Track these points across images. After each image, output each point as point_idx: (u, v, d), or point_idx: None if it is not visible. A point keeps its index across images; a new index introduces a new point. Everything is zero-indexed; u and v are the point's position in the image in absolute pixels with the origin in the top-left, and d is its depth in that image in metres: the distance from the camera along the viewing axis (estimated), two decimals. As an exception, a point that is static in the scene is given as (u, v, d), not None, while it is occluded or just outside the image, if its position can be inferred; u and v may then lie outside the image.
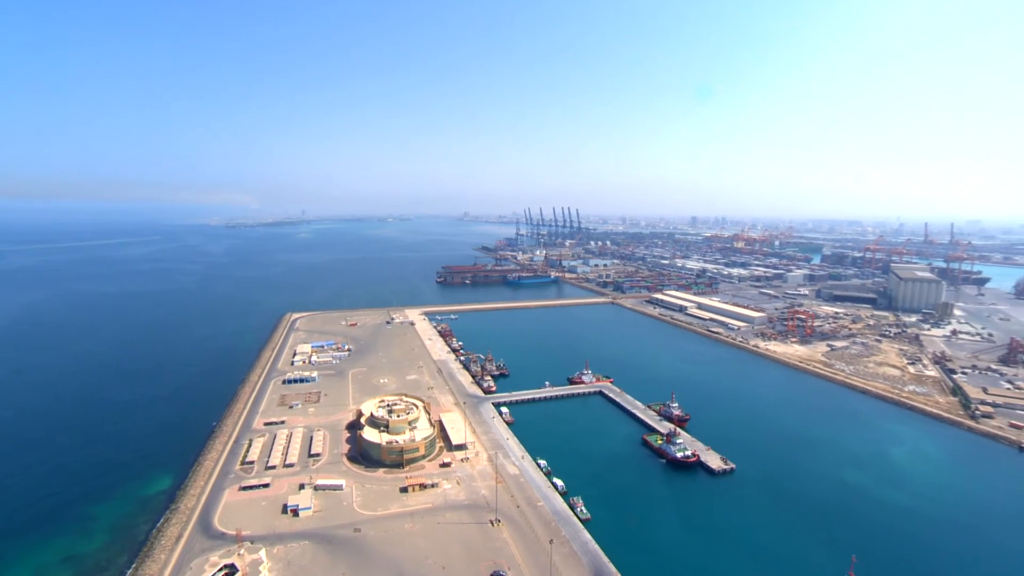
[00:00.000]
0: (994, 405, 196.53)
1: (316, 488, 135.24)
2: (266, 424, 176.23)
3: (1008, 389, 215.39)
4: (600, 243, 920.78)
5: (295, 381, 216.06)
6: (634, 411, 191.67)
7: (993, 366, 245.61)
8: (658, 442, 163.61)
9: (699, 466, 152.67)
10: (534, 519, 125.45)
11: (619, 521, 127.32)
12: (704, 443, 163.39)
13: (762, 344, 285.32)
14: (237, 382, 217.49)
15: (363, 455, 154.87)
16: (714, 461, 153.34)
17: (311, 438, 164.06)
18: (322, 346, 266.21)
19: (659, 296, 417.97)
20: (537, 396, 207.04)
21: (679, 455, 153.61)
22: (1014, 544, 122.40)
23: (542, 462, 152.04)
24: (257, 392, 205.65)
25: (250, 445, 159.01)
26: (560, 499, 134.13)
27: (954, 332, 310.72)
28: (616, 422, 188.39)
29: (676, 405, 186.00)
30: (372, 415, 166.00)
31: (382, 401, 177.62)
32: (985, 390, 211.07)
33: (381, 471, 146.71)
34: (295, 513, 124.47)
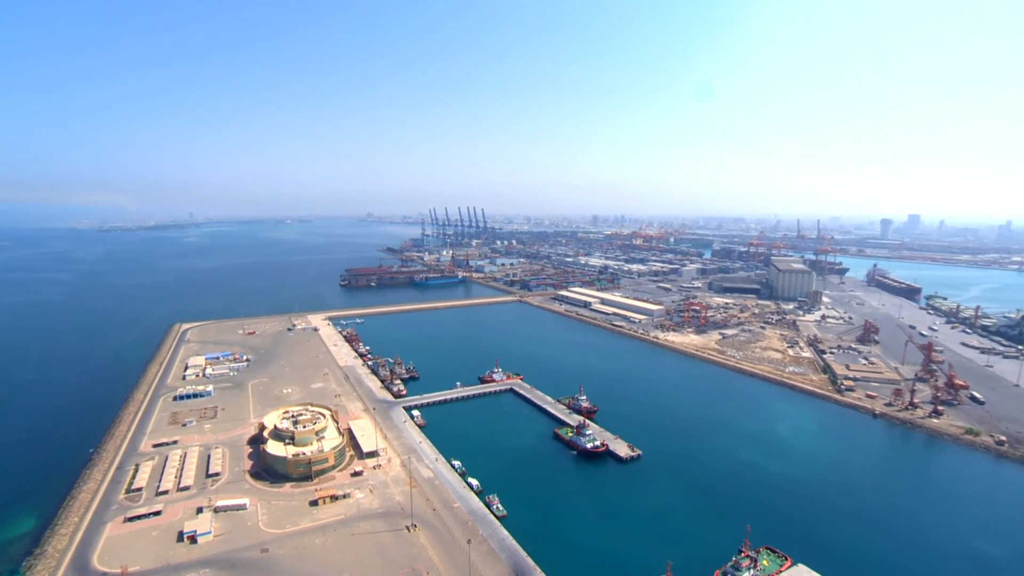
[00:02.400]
0: (854, 379, 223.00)
1: (216, 510, 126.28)
2: (155, 446, 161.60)
3: (864, 365, 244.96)
4: (506, 242, 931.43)
5: (188, 397, 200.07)
6: (544, 406, 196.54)
7: (853, 345, 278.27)
8: (568, 435, 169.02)
9: (608, 455, 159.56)
10: (451, 521, 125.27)
11: (535, 515, 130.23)
12: (612, 432, 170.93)
13: (662, 335, 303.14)
14: (119, 402, 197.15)
15: (268, 470, 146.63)
16: (622, 449, 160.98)
17: (208, 457, 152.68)
18: (217, 357, 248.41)
19: (564, 293, 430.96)
20: (448, 397, 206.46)
21: (589, 446, 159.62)
22: (867, 492, 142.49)
23: (456, 463, 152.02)
24: (144, 411, 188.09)
25: (136, 470, 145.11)
26: (476, 498, 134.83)
27: (823, 317, 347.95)
28: (528, 418, 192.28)
29: (584, 398, 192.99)
30: (276, 427, 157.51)
31: (286, 412, 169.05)
32: (848, 367, 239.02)
33: (288, 486, 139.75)
34: (193, 540, 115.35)
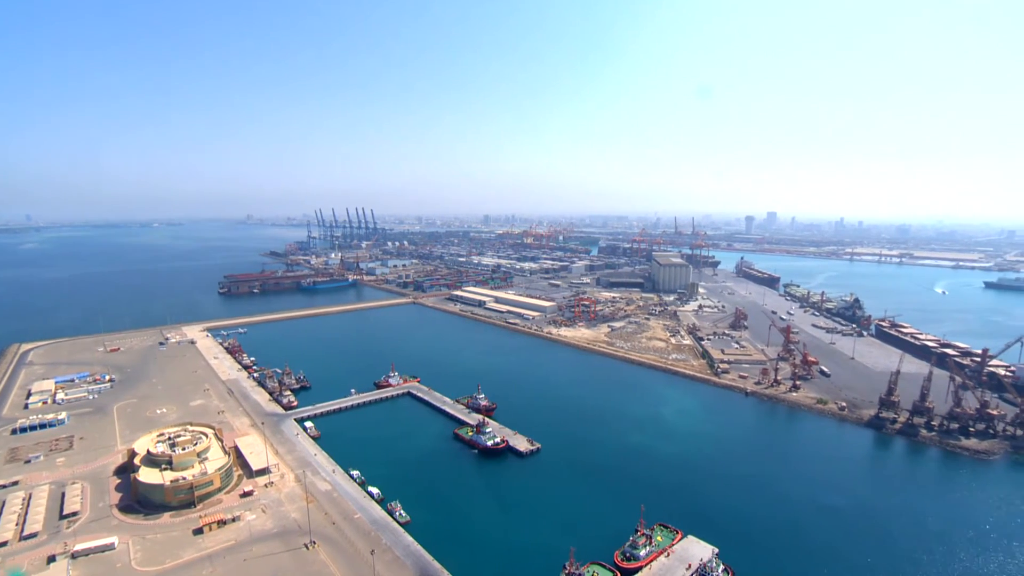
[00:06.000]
0: (729, 363, 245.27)
1: (74, 556, 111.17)
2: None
3: (737, 349, 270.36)
4: (398, 243, 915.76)
5: (32, 428, 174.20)
6: (443, 407, 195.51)
7: (727, 331, 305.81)
8: (469, 434, 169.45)
9: (508, 451, 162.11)
10: (352, 533, 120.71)
11: (438, 518, 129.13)
12: (512, 428, 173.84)
13: (555, 330, 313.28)
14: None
15: (141, 501, 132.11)
16: (521, 444, 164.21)
17: (63, 495, 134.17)
18: (72, 380, 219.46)
19: (459, 293, 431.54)
20: (343, 405, 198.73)
21: (489, 443, 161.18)
22: (742, 462, 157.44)
23: (355, 473, 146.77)
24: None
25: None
26: (377, 507, 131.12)
27: (700, 307, 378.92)
28: (427, 420, 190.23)
29: (483, 396, 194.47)
30: (149, 452, 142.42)
31: (161, 434, 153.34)
32: (723, 351, 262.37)
33: (167, 516, 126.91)
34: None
